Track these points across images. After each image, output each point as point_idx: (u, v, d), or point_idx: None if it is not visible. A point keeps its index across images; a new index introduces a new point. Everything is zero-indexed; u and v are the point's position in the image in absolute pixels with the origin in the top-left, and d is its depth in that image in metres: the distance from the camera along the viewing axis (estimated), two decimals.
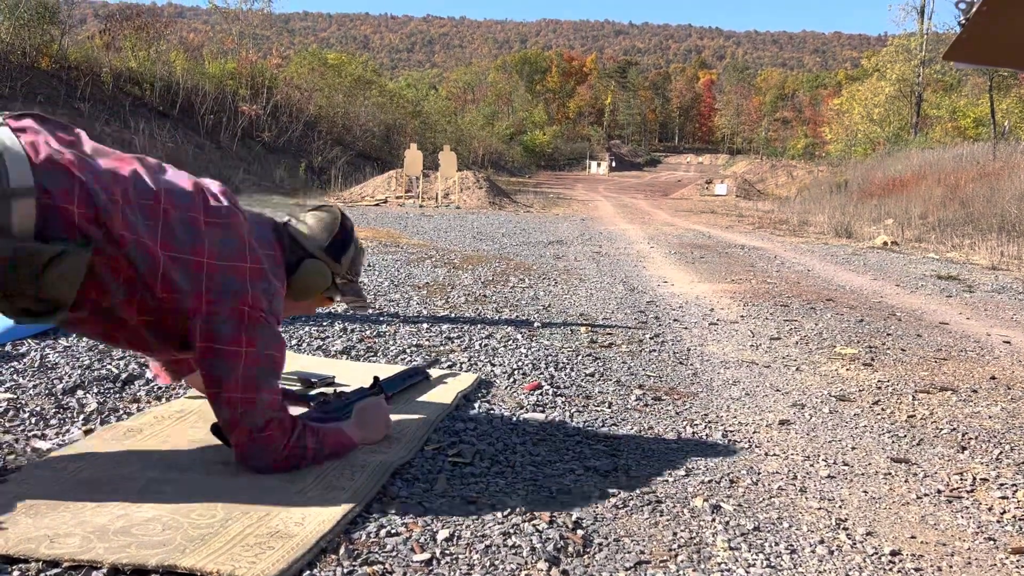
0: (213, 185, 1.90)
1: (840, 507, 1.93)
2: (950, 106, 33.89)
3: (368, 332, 3.59)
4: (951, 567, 1.66)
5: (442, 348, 3.37)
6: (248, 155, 21.06)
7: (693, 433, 2.44)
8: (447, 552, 1.53)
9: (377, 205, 16.06)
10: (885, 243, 11.13)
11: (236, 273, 1.77)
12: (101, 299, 1.68)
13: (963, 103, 33.98)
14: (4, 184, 1.52)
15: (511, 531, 1.64)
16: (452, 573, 1.46)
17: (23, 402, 2.23)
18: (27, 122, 1.65)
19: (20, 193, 1.53)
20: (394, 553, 1.51)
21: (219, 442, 1.90)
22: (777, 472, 2.14)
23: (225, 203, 1.84)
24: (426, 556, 1.50)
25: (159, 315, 1.73)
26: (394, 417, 2.31)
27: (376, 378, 2.45)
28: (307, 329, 3.53)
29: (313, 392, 2.43)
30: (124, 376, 2.53)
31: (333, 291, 2.06)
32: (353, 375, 2.69)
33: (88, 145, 1.72)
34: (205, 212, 1.79)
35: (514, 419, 2.43)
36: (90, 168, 1.63)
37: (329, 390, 2.47)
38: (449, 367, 3.02)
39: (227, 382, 1.74)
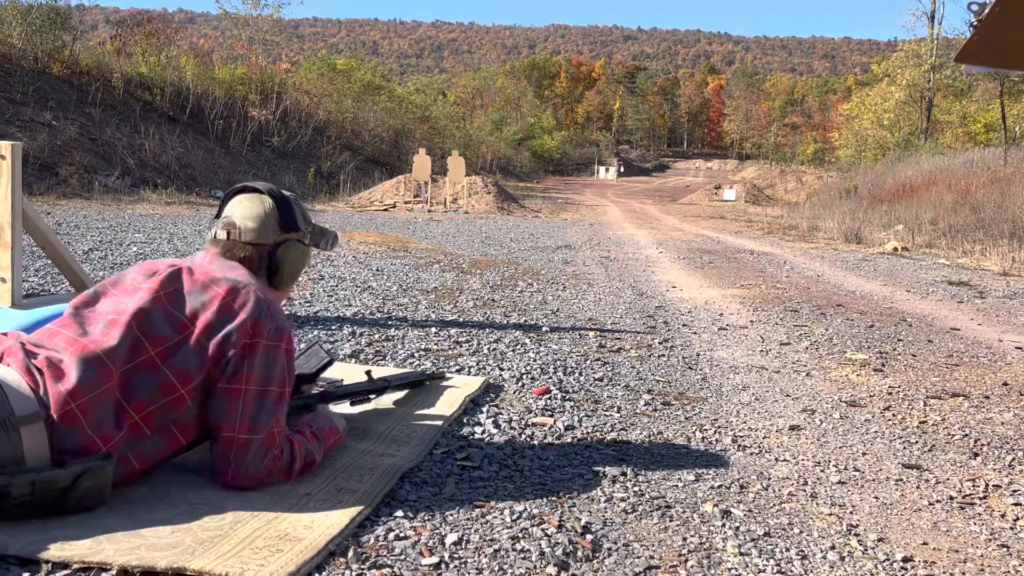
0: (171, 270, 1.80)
1: (851, 513, 1.92)
2: (960, 111, 33.76)
3: (377, 336, 3.59)
4: (964, 574, 1.64)
5: (450, 352, 3.37)
6: (257, 160, 21.15)
7: (703, 438, 2.43)
8: (456, 556, 1.53)
9: (386, 210, 16.09)
10: (895, 249, 11.08)
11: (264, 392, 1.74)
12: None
13: (974, 108, 33.84)
14: (9, 413, 1.49)
15: (520, 535, 1.63)
16: None
17: None
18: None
19: (26, 420, 1.50)
20: (403, 557, 1.51)
21: None
22: (787, 478, 2.13)
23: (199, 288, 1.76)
24: (435, 560, 1.50)
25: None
26: (402, 421, 2.31)
27: (368, 372, 2.45)
28: (316, 333, 3.54)
29: (316, 391, 2.44)
30: None
31: (309, 253, 2.03)
32: (359, 380, 2.69)
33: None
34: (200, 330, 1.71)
35: (523, 423, 2.42)
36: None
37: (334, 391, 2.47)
38: (457, 371, 3.02)
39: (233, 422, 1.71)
